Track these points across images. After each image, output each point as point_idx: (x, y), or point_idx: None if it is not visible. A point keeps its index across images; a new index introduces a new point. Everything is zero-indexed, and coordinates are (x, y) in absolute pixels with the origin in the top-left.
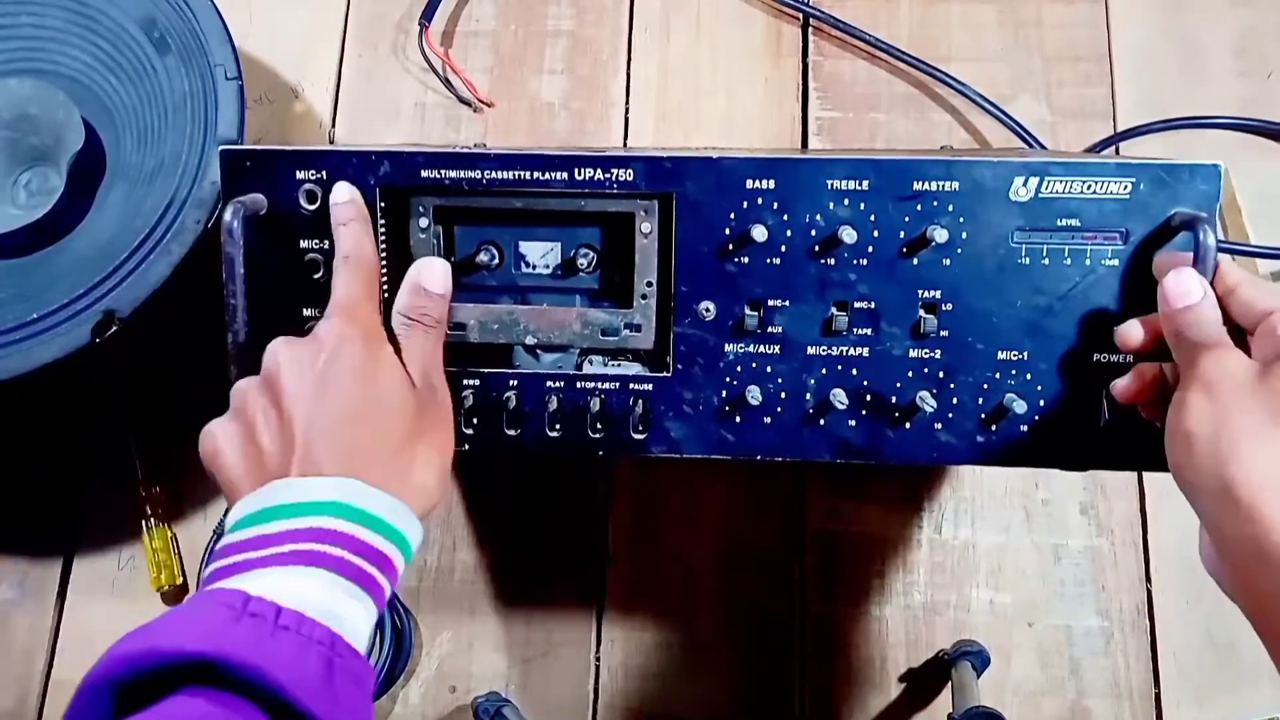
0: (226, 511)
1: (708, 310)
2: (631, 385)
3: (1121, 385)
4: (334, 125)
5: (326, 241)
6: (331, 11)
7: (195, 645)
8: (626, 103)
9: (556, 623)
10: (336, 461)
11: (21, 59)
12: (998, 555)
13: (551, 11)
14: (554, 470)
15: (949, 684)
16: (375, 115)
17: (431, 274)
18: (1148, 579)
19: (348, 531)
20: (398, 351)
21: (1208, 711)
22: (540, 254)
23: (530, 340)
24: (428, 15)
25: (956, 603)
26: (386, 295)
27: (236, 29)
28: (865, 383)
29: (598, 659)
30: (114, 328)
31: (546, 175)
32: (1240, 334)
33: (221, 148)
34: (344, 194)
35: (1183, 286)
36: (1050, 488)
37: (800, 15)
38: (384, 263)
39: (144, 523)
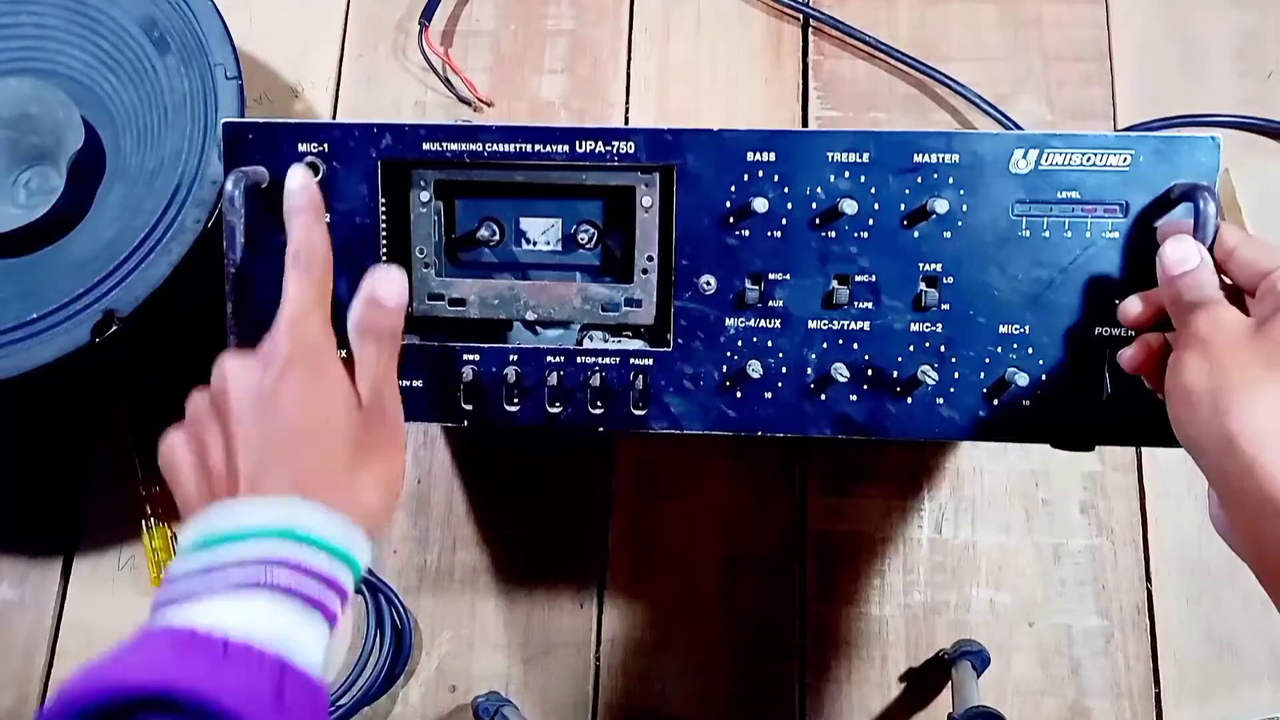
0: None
1: (708, 284)
2: (632, 361)
3: (1127, 355)
4: None
5: (328, 215)
6: (331, 12)
7: (145, 679)
8: (626, 103)
9: (556, 623)
10: (281, 482)
11: (21, 59)
12: (998, 555)
13: (551, 11)
14: (554, 470)
15: (949, 684)
16: (375, 115)
17: (387, 286)
18: (1148, 579)
19: (294, 557)
20: (349, 365)
21: (1208, 711)
22: (541, 230)
23: (531, 316)
24: (428, 15)
25: (956, 602)
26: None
27: (236, 29)
28: (866, 357)
29: (598, 659)
30: (114, 328)
31: (548, 148)
32: (1241, 299)
33: (224, 120)
34: (298, 179)
35: (1180, 253)
36: (1050, 487)
37: (800, 15)
38: (384, 239)
39: (144, 522)
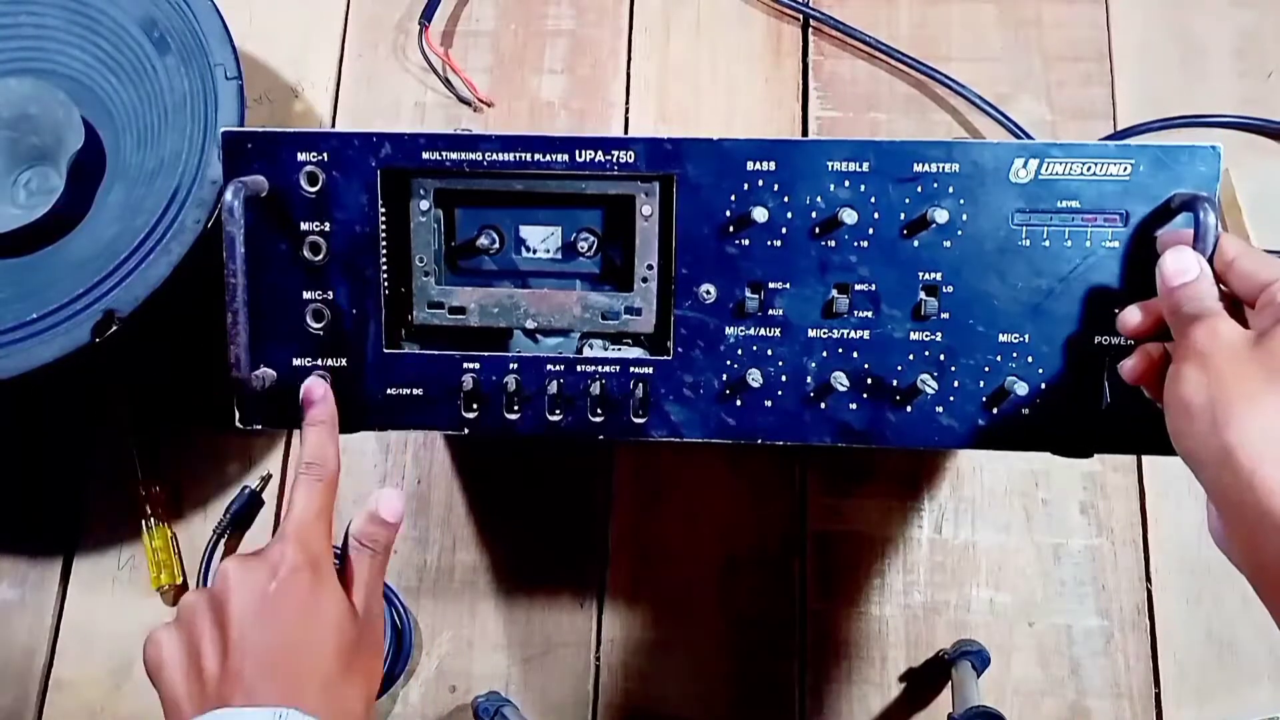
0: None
1: (708, 293)
2: (632, 369)
3: (1128, 365)
4: (334, 125)
5: (328, 224)
6: (331, 12)
7: None
8: (626, 103)
9: (556, 623)
10: (276, 692)
11: (21, 59)
12: (998, 555)
13: (551, 11)
14: (554, 470)
15: (949, 684)
16: (375, 115)
17: (389, 505)
18: (1148, 579)
19: None
20: (344, 573)
21: (1208, 711)
22: (541, 238)
23: (530, 324)
24: (428, 15)
25: (956, 602)
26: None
27: (236, 29)
28: (866, 365)
29: (598, 659)
30: (114, 328)
31: (547, 157)
32: (1241, 311)
33: (223, 130)
34: (318, 392)
35: (1180, 264)
36: (1050, 487)
37: (800, 15)
38: (384, 249)
39: (144, 522)
